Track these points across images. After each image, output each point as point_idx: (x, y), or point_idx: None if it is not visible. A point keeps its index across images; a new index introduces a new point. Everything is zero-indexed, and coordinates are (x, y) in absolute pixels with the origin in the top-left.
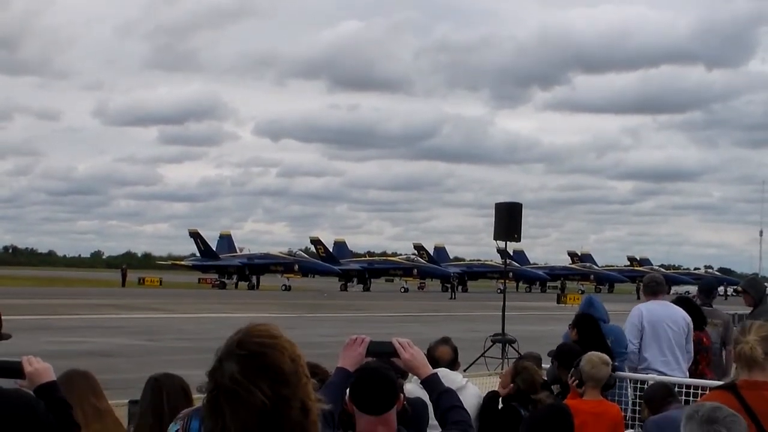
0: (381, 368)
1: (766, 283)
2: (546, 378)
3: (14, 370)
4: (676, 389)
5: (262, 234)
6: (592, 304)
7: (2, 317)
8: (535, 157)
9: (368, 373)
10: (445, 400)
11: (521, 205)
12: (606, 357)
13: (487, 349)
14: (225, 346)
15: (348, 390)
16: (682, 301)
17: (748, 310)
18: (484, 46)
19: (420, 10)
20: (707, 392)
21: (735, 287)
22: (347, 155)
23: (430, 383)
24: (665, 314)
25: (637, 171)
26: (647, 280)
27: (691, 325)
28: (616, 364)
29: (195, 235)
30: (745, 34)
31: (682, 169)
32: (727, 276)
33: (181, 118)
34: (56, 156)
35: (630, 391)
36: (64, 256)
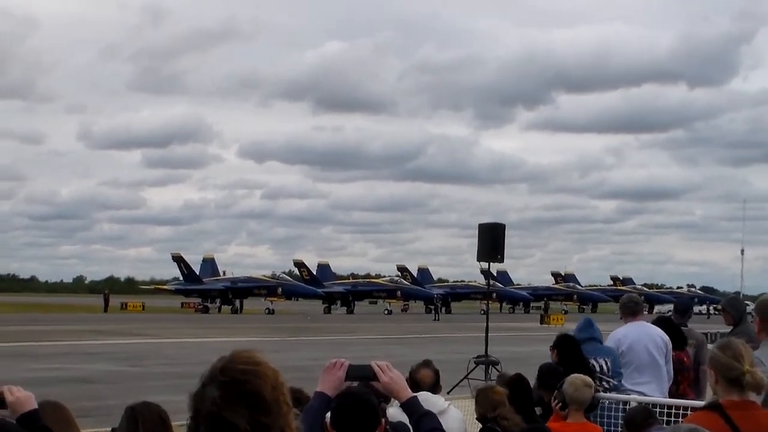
0: (362, 393)
1: (747, 302)
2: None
3: None
4: (658, 410)
5: (246, 257)
6: (592, 326)
7: None
8: (520, 177)
9: (349, 399)
10: (425, 423)
11: (504, 226)
12: (588, 379)
13: (471, 371)
14: (209, 372)
15: (329, 415)
16: (661, 322)
17: (727, 329)
18: (468, 67)
19: (403, 32)
20: (689, 412)
21: (716, 306)
22: (332, 177)
23: (410, 406)
24: (643, 335)
25: (619, 190)
26: (626, 300)
27: (670, 345)
28: (615, 383)
29: (178, 259)
30: (726, 52)
31: (665, 188)
32: (709, 294)
33: (165, 141)
34: (40, 180)
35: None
36: (47, 281)
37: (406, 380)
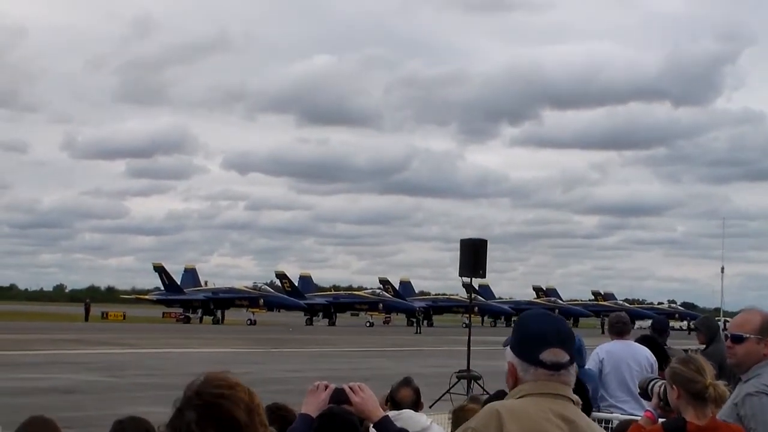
0: (342, 412)
1: (726, 319)
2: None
3: None
4: None
5: (229, 268)
6: (581, 353)
7: None
8: (503, 192)
9: (330, 418)
10: None
11: (486, 241)
12: None
13: (452, 386)
14: (184, 395)
15: None
16: (646, 340)
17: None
18: (454, 82)
19: (390, 46)
20: None
21: (690, 325)
22: (316, 189)
23: (382, 426)
24: (628, 354)
25: (602, 206)
26: (614, 320)
27: (656, 365)
28: (595, 407)
29: (159, 269)
30: (711, 73)
31: (647, 204)
32: (690, 311)
33: (150, 152)
34: (22, 189)
35: None
36: (26, 289)
37: (387, 399)
